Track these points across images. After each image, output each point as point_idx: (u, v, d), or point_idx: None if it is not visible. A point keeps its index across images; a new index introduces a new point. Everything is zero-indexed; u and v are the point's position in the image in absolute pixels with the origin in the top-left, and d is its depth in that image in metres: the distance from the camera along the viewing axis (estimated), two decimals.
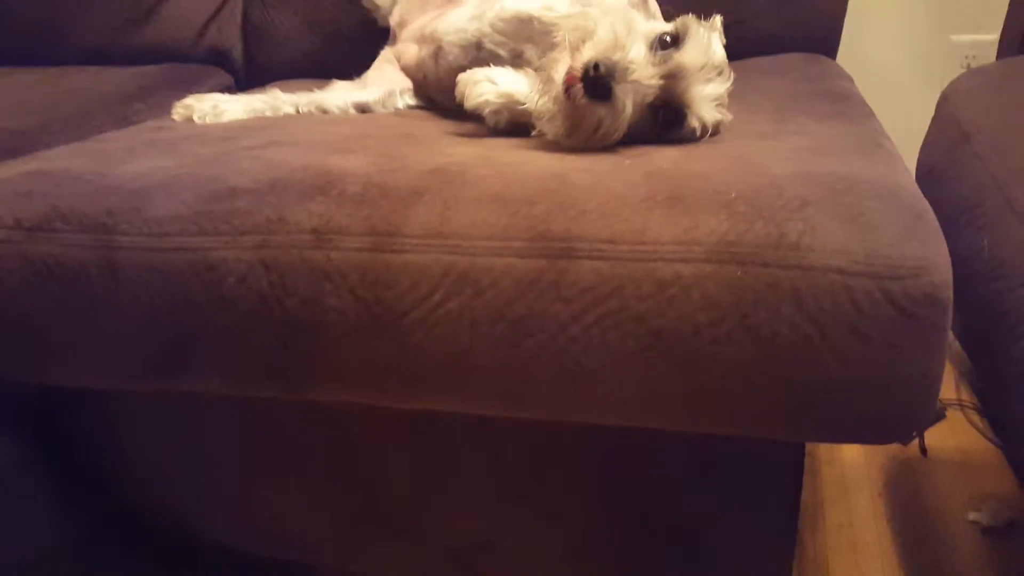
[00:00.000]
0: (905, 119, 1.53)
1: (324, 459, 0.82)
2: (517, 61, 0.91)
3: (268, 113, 1.04)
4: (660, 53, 0.71)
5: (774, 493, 0.71)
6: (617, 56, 0.67)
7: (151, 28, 1.37)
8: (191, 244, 0.65)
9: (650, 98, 0.70)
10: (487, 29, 0.93)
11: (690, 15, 0.77)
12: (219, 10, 1.37)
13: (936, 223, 0.57)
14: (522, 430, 0.72)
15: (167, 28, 1.37)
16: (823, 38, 1.15)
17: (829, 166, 0.62)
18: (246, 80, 1.40)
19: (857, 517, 1.12)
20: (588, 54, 0.68)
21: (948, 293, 0.52)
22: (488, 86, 0.81)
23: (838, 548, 1.07)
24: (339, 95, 1.06)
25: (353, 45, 1.25)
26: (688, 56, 0.71)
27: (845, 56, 1.18)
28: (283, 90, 1.26)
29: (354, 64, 1.18)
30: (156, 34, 1.38)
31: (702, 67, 0.71)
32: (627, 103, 0.68)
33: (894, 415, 0.55)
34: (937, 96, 1.54)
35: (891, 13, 1.49)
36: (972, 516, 1.08)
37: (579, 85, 0.67)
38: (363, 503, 0.83)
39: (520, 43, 0.88)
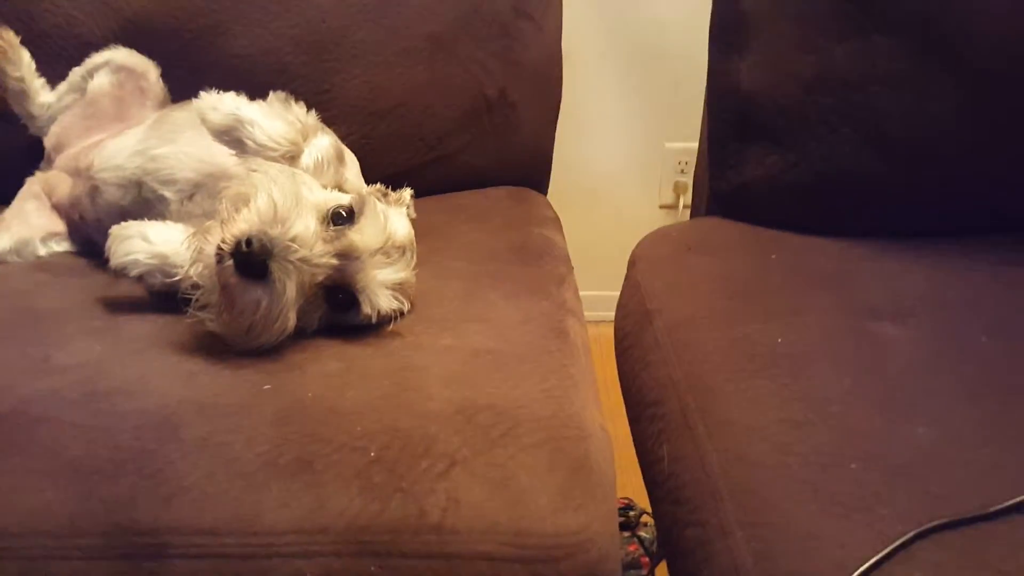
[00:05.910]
0: (628, 219, 1.61)
1: None
2: (187, 206, 0.77)
3: None
4: (334, 228, 0.61)
5: None
6: (275, 231, 0.56)
7: None
8: None
9: (320, 278, 0.60)
10: (151, 167, 0.77)
11: (367, 191, 0.68)
12: None
13: (603, 467, 0.50)
14: None
15: None
16: (531, 171, 1.11)
17: (493, 392, 0.54)
18: None
19: None
20: (241, 226, 0.56)
21: (612, 566, 0.46)
22: (140, 243, 0.66)
23: None
24: None
25: (9, 162, 1.01)
26: (361, 235, 0.61)
27: (570, 162, 1.17)
28: None
29: (10, 184, 0.95)
30: None
31: (377, 248, 0.62)
32: (288, 284, 0.57)
33: None
34: (657, 197, 1.65)
35: (611, 123, 1.57)
36: None
37: (230, 262, 0.56)
38: None
39: (193, 188, 0.74)
